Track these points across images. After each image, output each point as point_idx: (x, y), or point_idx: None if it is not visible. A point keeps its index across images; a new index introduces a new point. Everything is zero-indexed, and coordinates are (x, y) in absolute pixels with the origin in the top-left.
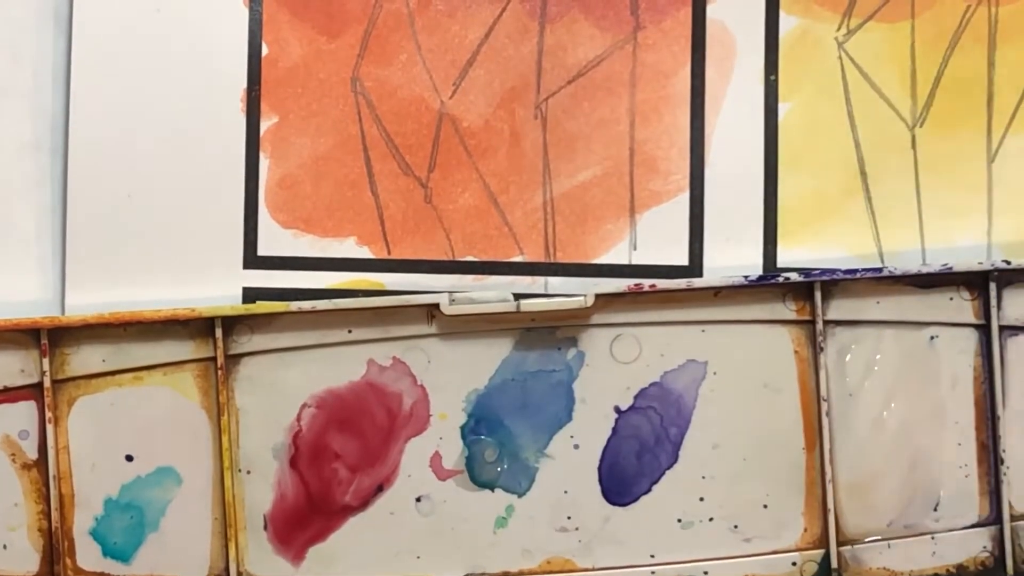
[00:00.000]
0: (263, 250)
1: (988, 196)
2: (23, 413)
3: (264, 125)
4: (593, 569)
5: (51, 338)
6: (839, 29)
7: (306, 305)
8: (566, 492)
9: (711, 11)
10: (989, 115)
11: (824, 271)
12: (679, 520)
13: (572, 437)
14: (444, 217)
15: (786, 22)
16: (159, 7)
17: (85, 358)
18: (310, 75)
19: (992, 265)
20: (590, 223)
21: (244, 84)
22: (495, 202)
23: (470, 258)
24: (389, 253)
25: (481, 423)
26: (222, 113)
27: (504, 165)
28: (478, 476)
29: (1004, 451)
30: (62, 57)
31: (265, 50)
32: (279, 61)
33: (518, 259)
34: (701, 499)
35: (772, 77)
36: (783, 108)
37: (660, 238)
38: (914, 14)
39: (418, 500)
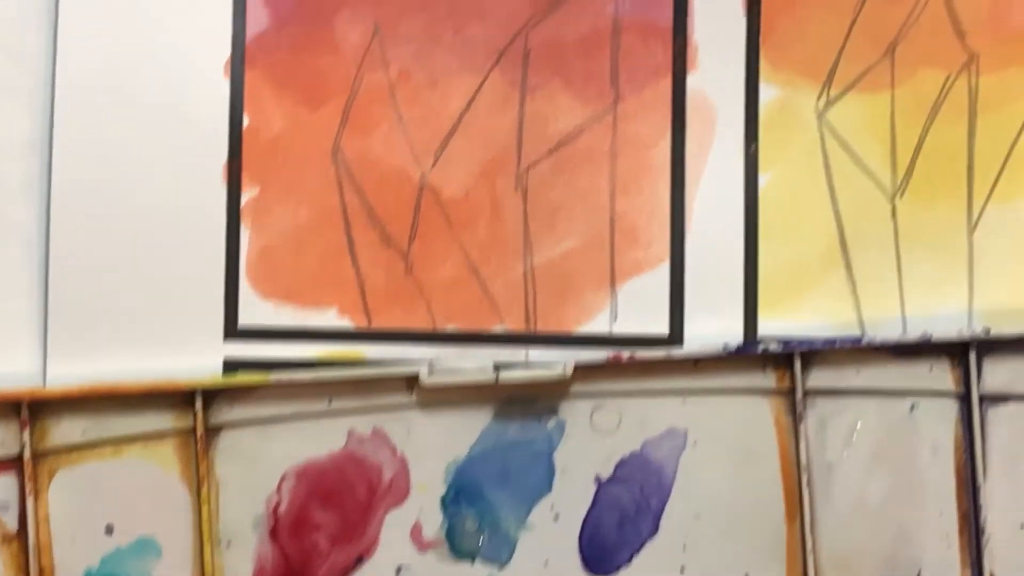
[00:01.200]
0: (244, 321)
1: (969, 266)
2: (3, 485)
3: (245, 196)
4: None
5: (31, 410)
6: (819, 99)
7: (285, 377)
8: (547, 563)
9: (691, 81)
10: (970, 185)
11: (804, 341)
12: None
13: (553, 507)
14: (425, 287)
15: (766, 92)
16: (141, 79)
17: (65, 430)
18: (291, 146)
19: (972, 335)
20: (571, 293)
21: (225, 155)
22: (476, 272)
23: (451, 328)
24: (370, 324)
25: (461, 494)
26: (203, 184)
27: (485, 235)
28: (458, 547)
29: (985, 521)
30: (44, 130)
31: (246, 121)
32: (260, 132)
33: (499, 329)
34: (682, 569)
35: (752, 147)
36: (763, 178)
37: (641, 308)
38: (894, 84)
39: (398, 571)
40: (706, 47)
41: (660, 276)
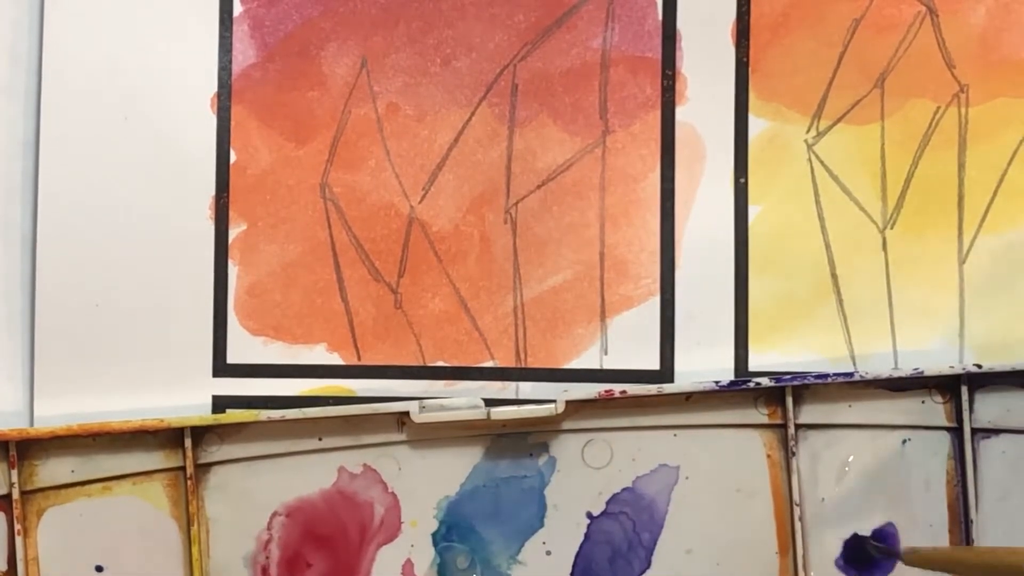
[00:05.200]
0: (232, 358)
1: (960, 297)
2: None
3: (233, 232)
4: None
5: (19, 449)
6: (808, 132)
7: (275, 414)
8: None
9: (680, 114)
10: (960, 216)
11: (795, 375)
12: None
13: (544, 543)
14: (414, 323)
15: (755, 125)
16: (127, 115)
17: (53, 469)
18: (279, 182)
19: (964, 369)
20: (561, 328)
21: (212, 191)
22: (465, 307)
23: (441, 363)
24: (359, 359)
25: (453, 530)
26: (190, 221)
27: (474, 270)
28: None
29: None
30: (29, 175)
31: (233, 157)
32: (247, 168)
33: (489, 364)
34: None
35: (742, 180)
36: (753, 211)
37: (631, 342)
38: (883, 116)
39: None
40: (695, 80)
41: (651, 310)
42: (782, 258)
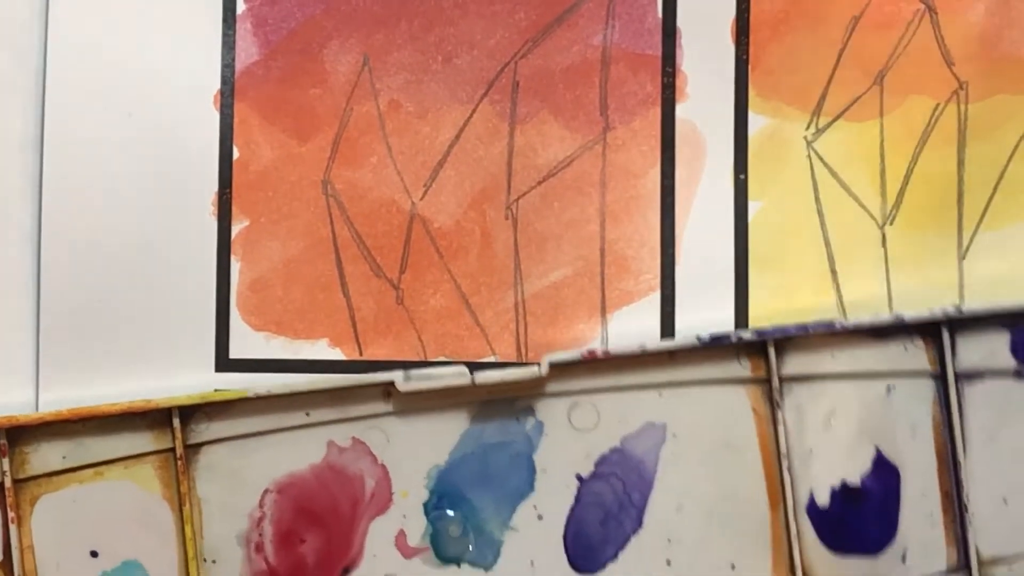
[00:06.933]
0: (235, 353)
1: (960, 293)
2: None
3: (235, 228)
4: None
5: (9, 437)
6: (808, 128)
7: (262, 390)
8: (533, 564)
9: (680, 111)
10: (960, 212)
11: (777, 328)
12: None
13: (535, 508)
14: (416, 318)
15: (755, 122)
16: (131, 111)
17: (45, 456)
18: (281, 178)
19: (944, 313)
20: (561, 323)
21: (215, 188)
22: (466, 303)
23: (442, 358)
24: (361, 355)
25: (444, 499)
26: (193, 217)
27: (475, 266)
28: (444, 552)
29: (968, 498)
30: (34, 165)
31: (236, 153)
32: (250, 164)
33: (490, 359)
34: (668, 563)
35: (742, 176)
36: (753, 207)
37: (631, 337)
38: (883, 113)
39: None
40: (695, 77)
41: (651, 305)
42: (782, 254)
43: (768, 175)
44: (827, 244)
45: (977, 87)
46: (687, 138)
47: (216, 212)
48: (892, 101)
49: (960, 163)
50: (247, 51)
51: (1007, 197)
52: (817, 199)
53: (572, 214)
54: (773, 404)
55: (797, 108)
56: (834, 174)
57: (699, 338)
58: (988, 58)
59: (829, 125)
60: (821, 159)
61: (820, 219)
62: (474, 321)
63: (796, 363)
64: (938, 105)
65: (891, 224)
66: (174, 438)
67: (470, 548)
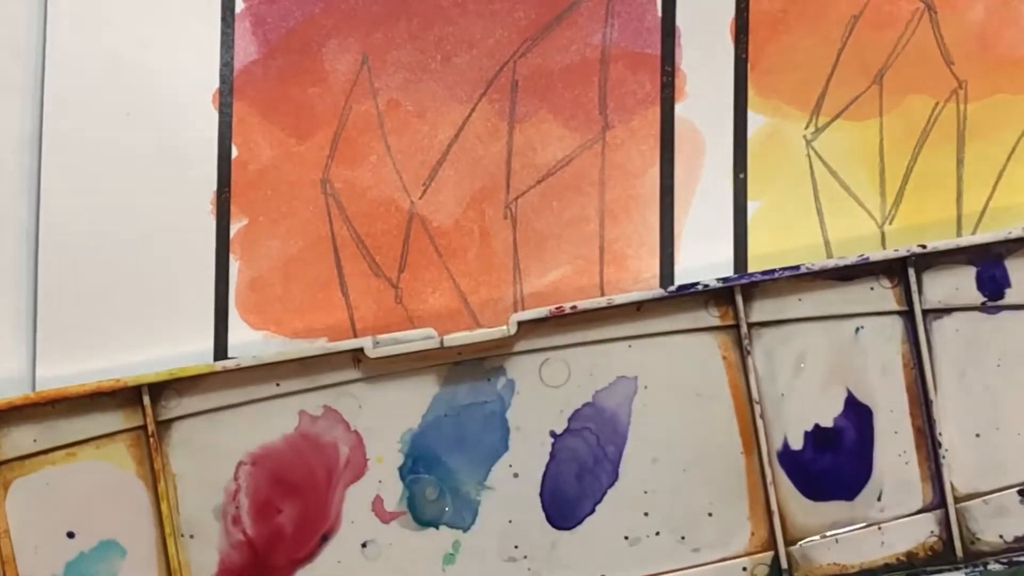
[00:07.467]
0: (234, 352)
1: None
2: None
3: (234, 227)
4: None
5: None
6: (807, 127)
7: (231, 363)
8: (511, 522)
9: (679, 110)
10: (959, 211)
11: (743, 275)
12: (626, 537)
13: (511, 466)
14: (415, 317)
15: (754, 120)
16: (129, 110)
17: (16, 440)
18: (280, 177)
19: (908, 251)
20: None
21: (214, 186)
22: (465, 302)
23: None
24: None
25: (419, 462)
26: (192, 216)
27: (474, 265)
28: (421, 515)
29: (941, 435)
30: (33, 164)
31: (235, 152)
32: (249, 163)
33: None
34: (646, 514)
35: (741, 175)
36: (752, 206)
37: None
38: (882, 112)
39: (363, 546)
40: (694, 76)
41: None
42: (781, 253)
43: (767, 174)
44: (827, 243)
45: (976, 86)
46: (686, 137)
47: (215, 211)
48: (891, 100)
49: (959, 162)
50: (246, 50)
51: (1006, 196)
52: (816, 198)
53: (571, 213)
54: (743, 350)
55: (796, 107)
56: (833, 173)
57: (666, 288)
58: (987, 57)
59: (828, 124)
60: (820, 158)
61: (819, 218)
62: (473, 320)
63: (764, 309)
64: (937, 104)
65: (890, 223)
66: (144, 415)
67: (447, 510)
